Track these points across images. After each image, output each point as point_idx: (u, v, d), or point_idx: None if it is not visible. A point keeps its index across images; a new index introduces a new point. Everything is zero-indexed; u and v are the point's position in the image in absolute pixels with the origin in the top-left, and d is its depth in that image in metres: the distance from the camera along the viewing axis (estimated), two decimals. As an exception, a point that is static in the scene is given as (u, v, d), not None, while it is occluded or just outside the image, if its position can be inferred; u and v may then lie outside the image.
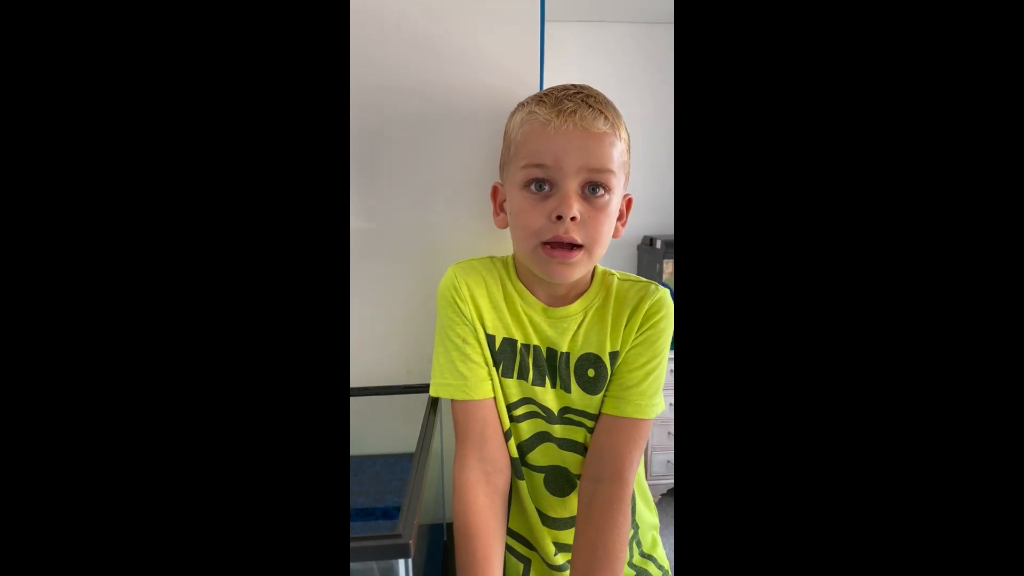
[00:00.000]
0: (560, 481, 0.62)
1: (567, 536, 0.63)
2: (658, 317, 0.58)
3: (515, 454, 0.62)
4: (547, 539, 0.63)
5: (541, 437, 0.62)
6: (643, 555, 0.67)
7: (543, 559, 0.63)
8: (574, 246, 0.55)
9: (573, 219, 0.53)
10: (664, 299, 0.59)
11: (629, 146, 0.59)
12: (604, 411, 0.59)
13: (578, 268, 0.56)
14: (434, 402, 0.62)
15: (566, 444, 0.62)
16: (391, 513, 0.69)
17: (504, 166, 0.61)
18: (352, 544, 0.37)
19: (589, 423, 0.61)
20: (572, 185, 0.54)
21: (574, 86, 0.57)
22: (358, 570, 0.44)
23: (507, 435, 0.61)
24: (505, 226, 0.62)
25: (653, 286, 0.60)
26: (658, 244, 1.94)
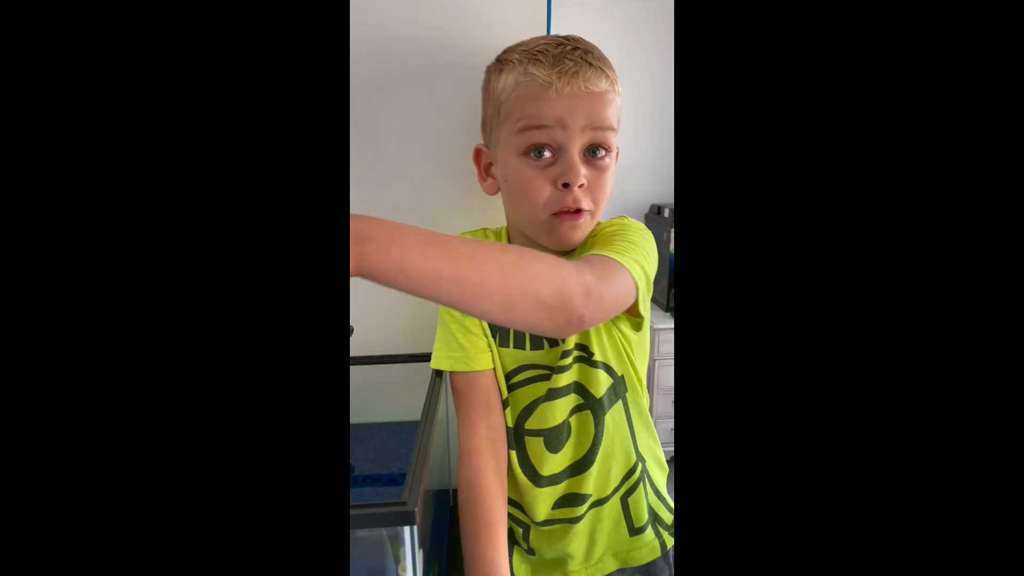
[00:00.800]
0: (562, 436, 0.60)
1: (562, 488, 0.61)
2: (615, 226, 0.56)
3: (511, 424, 0.61)
4: (542, 503, 0.61)
5: (542, 398, 0.60)
6: (657, 495, 0.64)
7: (539, 526, 0.63)
8: (580, 210, 0.54)
9: (581, 186, 0.52)
10: (625, 218, 0.58)
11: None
12: None
13: (584, 230, 0.56)
14: (439, 371, 0.62)
15: (567, 389, 0.59)
16: (397, 479, 0.69)
17: (490, 128, 0.58)
18: (358, 512, 0.37)
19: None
20: (576, 149, 0.52)
21: (567, 40, 0.54)
22: (366, 537, 0.44)
23: (504, 404, 0.61)
24: (495, 192, 0.60)
25: (623, 216, 0.59)
26: (665, 213, 1.91)
